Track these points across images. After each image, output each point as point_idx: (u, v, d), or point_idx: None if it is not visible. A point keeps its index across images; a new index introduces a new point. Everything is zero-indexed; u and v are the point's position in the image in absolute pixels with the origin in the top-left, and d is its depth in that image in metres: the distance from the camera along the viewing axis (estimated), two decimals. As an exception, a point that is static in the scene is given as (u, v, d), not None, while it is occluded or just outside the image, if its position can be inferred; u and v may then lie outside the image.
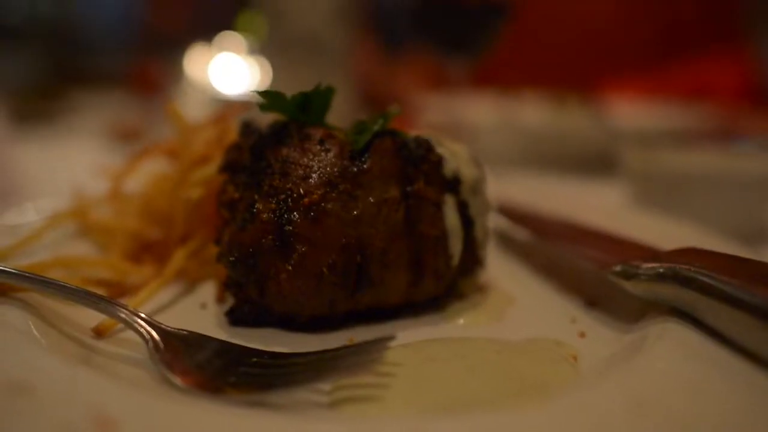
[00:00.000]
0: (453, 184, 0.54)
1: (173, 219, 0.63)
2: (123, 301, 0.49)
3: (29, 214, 0.67)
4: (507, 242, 0.75)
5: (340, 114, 1.00)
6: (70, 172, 1.12)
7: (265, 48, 1.01)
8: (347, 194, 0.50)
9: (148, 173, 0.71)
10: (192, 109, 1.30)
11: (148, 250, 0.64)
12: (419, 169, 0.53)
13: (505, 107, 1.48)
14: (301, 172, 0.50)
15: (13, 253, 0.58)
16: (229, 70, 1.23)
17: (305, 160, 0.50)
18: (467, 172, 0.55)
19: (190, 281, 0.60)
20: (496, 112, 1.46)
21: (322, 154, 0.51)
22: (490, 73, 1.89)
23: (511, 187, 0.86)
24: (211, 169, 0.61)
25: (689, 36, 2.09)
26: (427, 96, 1.64)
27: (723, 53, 2.13)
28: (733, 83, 2.10)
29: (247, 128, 0.57)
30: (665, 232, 0.65)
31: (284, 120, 0.55)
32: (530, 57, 2.16)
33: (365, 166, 0.50)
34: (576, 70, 1.97)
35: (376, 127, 0.52)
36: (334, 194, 0.49)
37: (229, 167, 0.56)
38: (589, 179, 1.16)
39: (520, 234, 0.73)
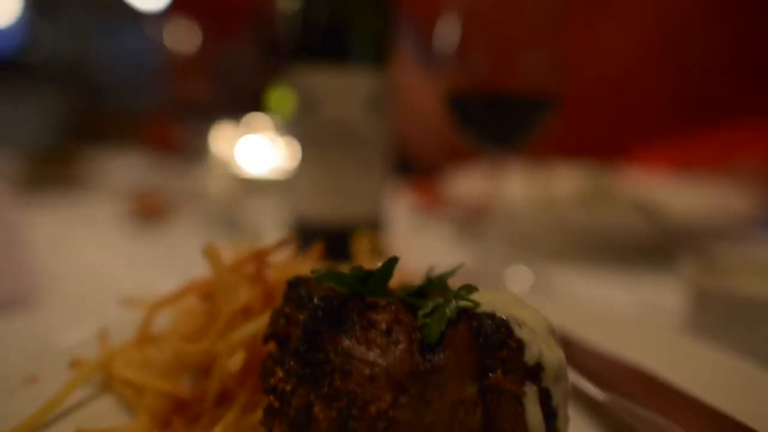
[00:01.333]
0: (535, 372, 0.47)
1: (208, 379, 0.57)
2: None
3: (49, 360, 0.61)
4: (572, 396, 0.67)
5: (373, 207, 0.94)
6: (89, 255, 1.07)
7: (294, 129, 0.95)
8: (419, 398, 0.43)
9: (179, 310, 0.65)
10: (216, 186, 1.25)
11: (179, 410, 0.58)
12: (497, 356, 0.46)
13: (538, 185, 1.42)
14: (366, 371, 0.43)
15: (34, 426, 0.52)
16: (255, 150, 1.17)
17: (371, 355, 0.44)
18: (550, 356, 0.48)
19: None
20: (530, 190, 1.40)
21: (390, 347, 0.44)
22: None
23: (560, 305, 0.80)
24: (252, 327, 0.55)
25: (720, 104, 2.04)
26: (458, 167, 1.59)
27: (756, 122, 2.07)
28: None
29: (296, 294, 0.50)
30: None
31: (341, 294, 0.48)
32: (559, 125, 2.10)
33: (439, 362, 0.44)
34: (604, 139, 1.92)
35: (449, 313, 0.46)
36: (404, 399, 0.43)
37: (276, 339, 0.50)
38: (638, 273, 1.09)
39: (585, 384, 0.66)
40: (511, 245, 1.12)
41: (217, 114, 1.32)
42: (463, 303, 0.48)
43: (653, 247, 1.14)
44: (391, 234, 1.08)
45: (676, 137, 2.01)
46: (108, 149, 2.25)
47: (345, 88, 0.86)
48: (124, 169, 1.74)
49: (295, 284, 0.51)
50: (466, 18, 0.92)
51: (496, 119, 0.95)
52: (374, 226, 0.95)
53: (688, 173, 1.64)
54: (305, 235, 0.96)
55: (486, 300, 0.50)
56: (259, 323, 0.55)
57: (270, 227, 1.13)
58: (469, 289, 0.50)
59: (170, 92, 1.41)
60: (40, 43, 7.91)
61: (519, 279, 0.99)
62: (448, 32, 0.93)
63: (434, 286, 0.52)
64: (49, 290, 0.92)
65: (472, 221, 1.35)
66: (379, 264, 0.49)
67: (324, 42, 0.87)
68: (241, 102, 1.76)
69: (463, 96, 0.95)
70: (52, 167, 1.51)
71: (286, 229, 1.05)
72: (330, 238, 0.94)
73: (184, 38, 1.26)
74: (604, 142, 1.91)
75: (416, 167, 1.85)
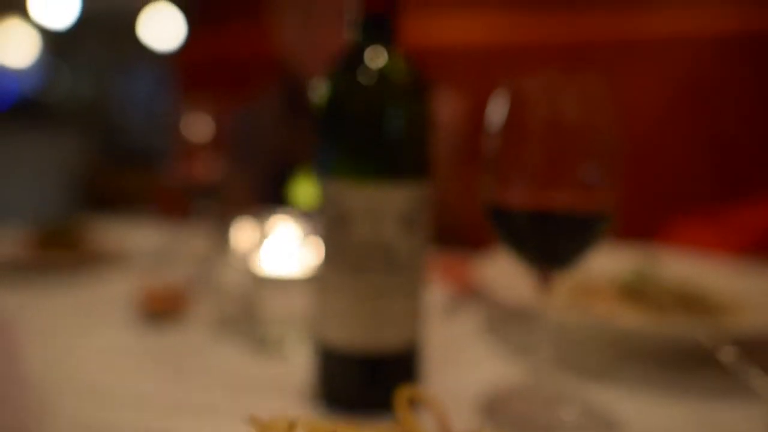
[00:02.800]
0: None
1: None
2: None
3: None
4: None
5: (410, 334, 0.83)
6: (90, 364, 0.98)
7: (320, 245, 0.86)
8: None
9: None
10: (234, 281, 1.16)
11: None
12: None
13: (575, 277, 1.32)
14: None
15: None
16: (278, 244, 1.09)
17: None
18: None
19: None
20: (566, 284, 1.30)
21: None
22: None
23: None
24: None
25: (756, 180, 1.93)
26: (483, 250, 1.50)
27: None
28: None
29: None
30: None
31: None
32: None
33: None
34: (639, 212, 1.81)
35: None
36: None
37: None
38: (701, 391, 0.98)
39: None
40: (557, 358, 1.01)
41: (235, 197, 1.24)
42: None
43: (717, 359, 1.03)
44: (429, 360, 0.98)
45: (722, 206, 1.89)
46: (122, 215, 2.20)
47: (381, 205, 0.77)
48: (136, 243, 1.67)
49: None
50: (513, 118, 0.83)
51: (545, 236, 0.86)
52: (410, 354, 0.85)
53: (746, 252, 1.51)
54: (333, 363, 0.86)
55: None
56: None
57: (293, 335, 1.03)
58: None
59: (182, 174, 1.33)
60: (58, 85, 8.02)
61: (570, 406, 0.89)
62: (492, 131, 0.84)
63: None
64: (50, 415, 0.83)
65: (509, 321, 1.25)
66: None
67: (360, 155, 0.79)
68: (263, 184, 1.68)
69: (506, 207, 0.86)
70: (61, 240, 1.44)
71: (310, 344, 0.96)
72: (361, 369, 0.85)
73: (196, 123, 1.19)
74: (638, 215, 1.81)
75: (446, 240, 1.75)
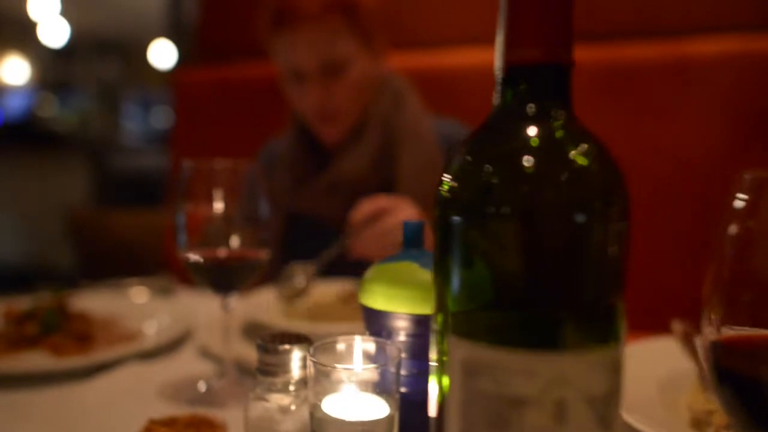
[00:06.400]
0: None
1: None
2: None
3: None
4: None
5: None
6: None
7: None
8: None
9: None
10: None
11: None
12: None
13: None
14: None
15: None
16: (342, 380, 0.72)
17: None
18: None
19: None
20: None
21: None
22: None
23: None
24: None
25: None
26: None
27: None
28: None
29: None
30: None
31: None
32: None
33: None
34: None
35: None
36: None
37: None
38: None
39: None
40: None
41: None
42: None
43: None
44: None
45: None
46: (117, 269, 1.78)
47: (559, 388, 0.41)
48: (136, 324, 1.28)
49: None
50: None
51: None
52: None
53: None
54: None
55: None
56: None
57: None
58: None
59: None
60: (69, 111, 7.78)
61: None
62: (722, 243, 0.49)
63: None
64: None
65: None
66: None
67: (550, 307, 0.42)
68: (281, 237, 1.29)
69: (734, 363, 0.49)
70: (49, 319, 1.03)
71: None
72: None
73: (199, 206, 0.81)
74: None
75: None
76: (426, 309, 0.56)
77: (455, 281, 0.41)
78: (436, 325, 0.43)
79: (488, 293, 0.40)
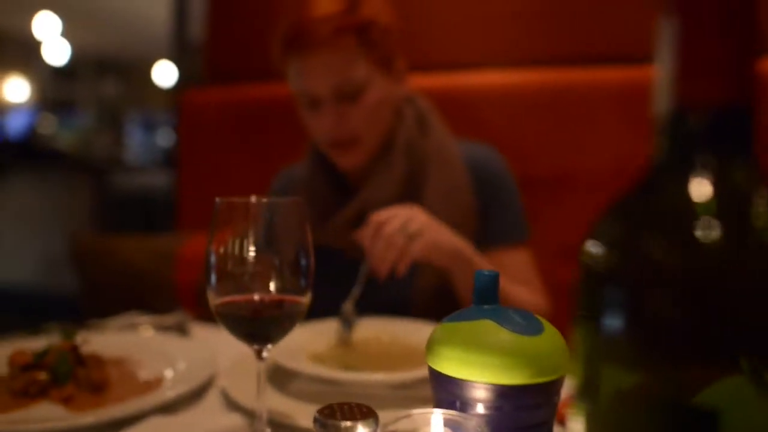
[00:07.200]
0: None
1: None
2: None
3: None
4: None
5: None
6: None
7: None
8: None
9: None
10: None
11: None
12: None
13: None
14: None
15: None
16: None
17: None
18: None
19: None
20: None
21: None
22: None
23: None
24: None
25: None
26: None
27: None
28: None
29: None
30: None
31: None
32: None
33: None
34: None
35: None
36: None
37: None
38: None
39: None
40: None
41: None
42: None
43: None
44: None
45: None
46: (123, 297, 1.75)
47: None
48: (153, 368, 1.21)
49: None
50: None
51: None
52: None
53: None
54: None
55: None
56: None
57: None
58: None
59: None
60: (74, 131, 7.74)
61: None
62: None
63: None
64: None
65: None
66: None
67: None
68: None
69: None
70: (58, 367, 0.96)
71: None
72: None
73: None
74: None
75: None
76: (512, 378, 0.48)
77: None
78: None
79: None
